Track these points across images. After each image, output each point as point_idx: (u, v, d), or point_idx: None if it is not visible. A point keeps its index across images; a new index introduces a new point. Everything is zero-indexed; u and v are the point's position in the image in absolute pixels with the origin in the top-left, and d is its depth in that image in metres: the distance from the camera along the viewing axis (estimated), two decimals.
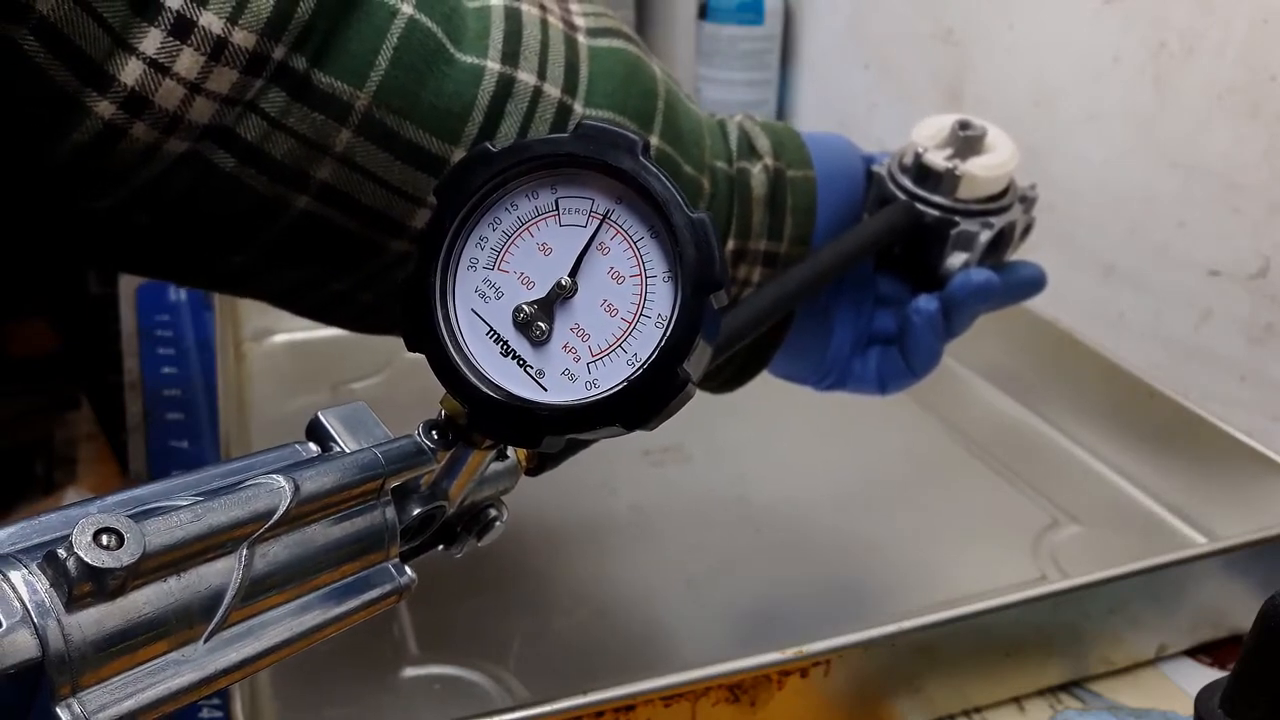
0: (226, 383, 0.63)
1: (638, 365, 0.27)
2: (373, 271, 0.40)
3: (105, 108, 0.32)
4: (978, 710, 0.48)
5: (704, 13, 1.05)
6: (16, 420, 1.06)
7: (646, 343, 0.27)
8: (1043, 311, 0.71)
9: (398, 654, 0.49)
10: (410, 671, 0.49)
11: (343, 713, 0.47)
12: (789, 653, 0.42)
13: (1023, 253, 0.52)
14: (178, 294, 0.85)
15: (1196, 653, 0.52)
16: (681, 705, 0.41)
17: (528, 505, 0.61)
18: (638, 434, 0.28)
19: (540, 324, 0.28)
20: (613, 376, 0.27)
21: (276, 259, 0.39)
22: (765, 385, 0.52)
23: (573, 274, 0.28)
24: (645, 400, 0.27)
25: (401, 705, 0.47)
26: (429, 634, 0.51)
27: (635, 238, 0.28)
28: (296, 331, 0.78)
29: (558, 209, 0.29)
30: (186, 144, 0.34)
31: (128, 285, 0.85)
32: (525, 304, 0.28)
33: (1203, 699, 0.37)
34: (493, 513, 0.35)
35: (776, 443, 0.68)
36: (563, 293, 0.28)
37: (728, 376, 0.50)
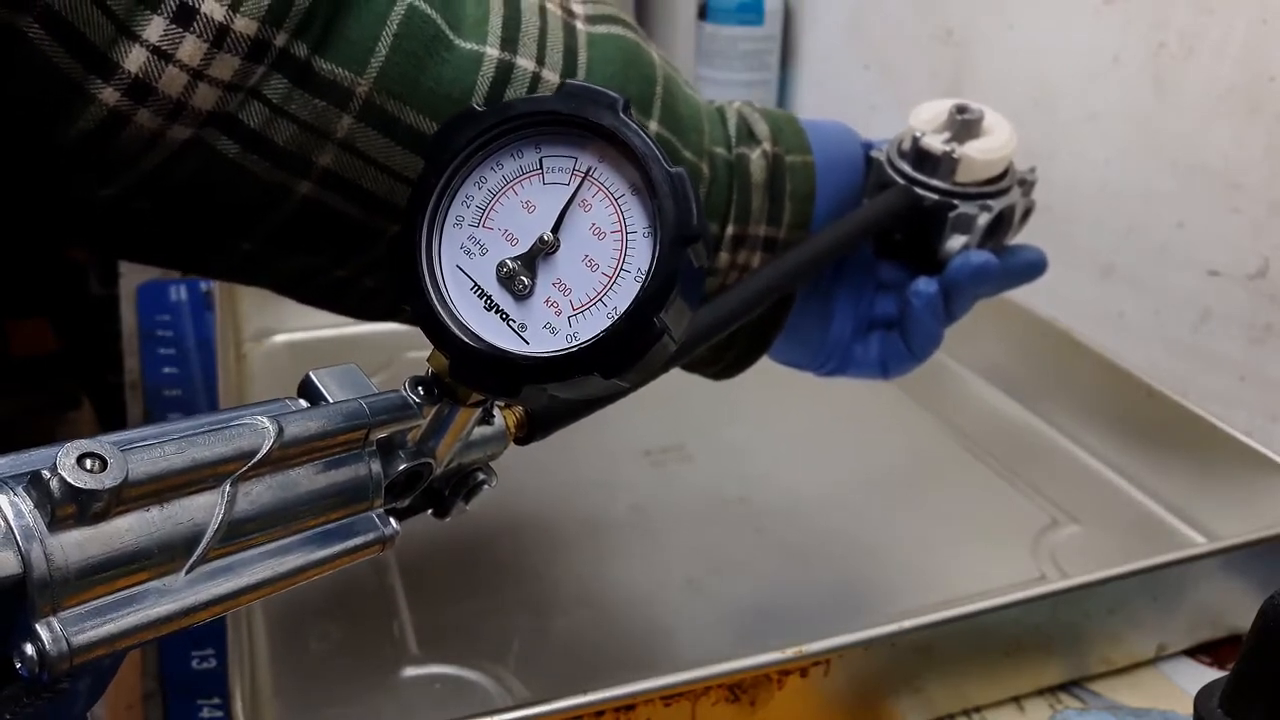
0: (227, 383, 0.63)
1: (616, 317, 0.28)
2: (375, 257, 0.40)
3: (109, 95, 0.33)
4: (977, 710, 0.48)
5: (704, 13, 1.05)
6: (17, 420, 1.06)
7: (626, 296, 0.28)
8: (1042, 311, 0.71)
9: (398, 654, 0.49)
10: (410, 671, 0.49)
11: (343, 713, 0.47)
12: (789, 653, 0.42)
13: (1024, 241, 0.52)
14: (178, 294, 0.85)
15: (1196, 653, 0.52)
16: (681, 705, 0.41)
17: (529, 505, 0.61)
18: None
19: (523, 279, 0.28)
20: (592, 329, 0.28)
21: (279, 246, 0.39)
22: (766, 385, 0.52)
23: (555, 230, 0.28)
24: (622, 350, 0.27)
25: (401, 705, 0.47)
26: (429, 634, 0.51)
27: (616, 195, 0.28)
28: (297, 332, 0.78)
29: (541, 167, 0.29)
30: (190, 131, 0.35)
31: (128, 285, 0.85)
32: (509, 259, 0.29)
33: (1202, 699, 0.37)
34: (480, 476, 0.35)
35: (777, 443, 0.68)
36: (545, 248, 0.28)
37: (730, 361, 0.50)
